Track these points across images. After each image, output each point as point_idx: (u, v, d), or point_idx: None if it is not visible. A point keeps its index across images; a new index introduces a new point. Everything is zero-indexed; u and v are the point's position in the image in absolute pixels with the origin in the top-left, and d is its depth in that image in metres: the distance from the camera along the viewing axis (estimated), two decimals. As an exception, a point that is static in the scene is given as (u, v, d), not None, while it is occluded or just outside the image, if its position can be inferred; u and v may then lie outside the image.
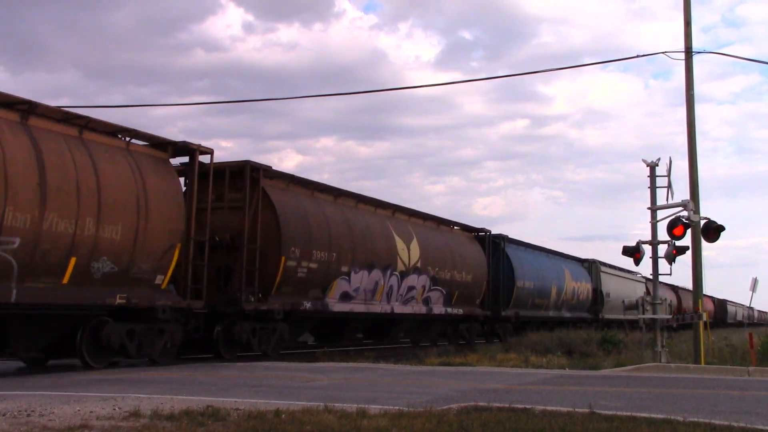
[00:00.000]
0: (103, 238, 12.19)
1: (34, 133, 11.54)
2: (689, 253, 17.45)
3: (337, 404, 7.52)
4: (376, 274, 19.77)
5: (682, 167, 18.90)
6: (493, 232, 28.01)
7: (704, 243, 17.30)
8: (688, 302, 49.08)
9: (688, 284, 24.88)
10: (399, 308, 21.02)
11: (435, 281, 22.73)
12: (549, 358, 16.63)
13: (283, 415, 6.86)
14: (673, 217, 16.93)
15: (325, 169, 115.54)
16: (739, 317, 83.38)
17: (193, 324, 14.77)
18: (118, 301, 12.57)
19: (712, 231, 16.76)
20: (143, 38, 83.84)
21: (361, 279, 19.11)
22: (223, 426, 6.36)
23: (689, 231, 16.88)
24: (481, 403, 7.77)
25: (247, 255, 15.70)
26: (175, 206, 13.90)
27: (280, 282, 16.32)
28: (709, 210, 76.80)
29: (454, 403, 8.06)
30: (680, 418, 6.93)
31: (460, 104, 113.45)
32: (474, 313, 25.59)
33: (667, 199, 17.41)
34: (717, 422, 6.77)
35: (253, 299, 15.67)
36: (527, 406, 7.60)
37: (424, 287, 22.24)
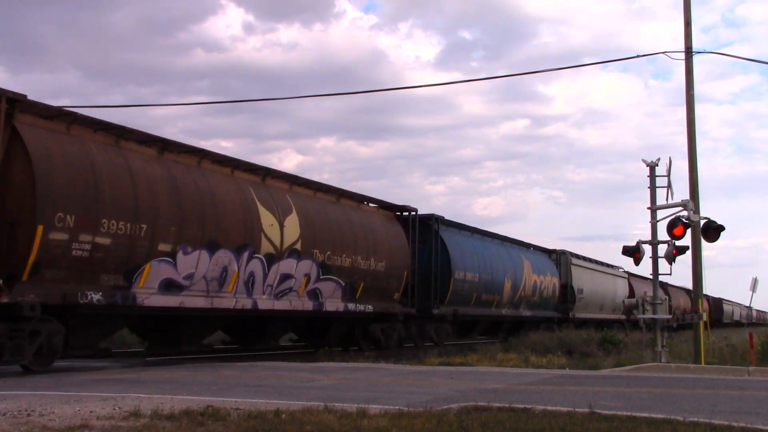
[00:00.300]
0: None
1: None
2: (689, 253, 17.46)
3: (337, 404, 7.52)
4: (224, 256, 14.79)
5: (682, 167, 18.91)
6: (423, 212, 23.10)
7: (704, 243, 17.32)
8: (678, 300, 48.88)
9: (688, 284, 24.82)
10: (267, 303, 16.07)
11: (326, 269, 17.87)
12: (549, 358, 16.64)
13: (283, 415, 6.86)
14: (673, 217, 16.94)
15: (325, 169, 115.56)
16: (737, 317, 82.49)
17: None
18: None
19: (712, 231, 16.77)
20: (143, 38, 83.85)
21: (196, 262, 14.19)
22: (223, 426, 6.36)
23: (689, 231, 16.89)
24: (481, 403, 7.77)
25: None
26: None
27: (37, 262, 11.42)
28: (709, 210, 76.71)
29: (454, 402, 8.06)
30: (680, 418, 6.93)
31: (460, 104, 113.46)
32: (391, 310, 20.83)
33: (667, 199, 17.42)
34: (717, 422, 6.77)
35: None
36: (527, 406, 7.60)
37: (308, 276, 17.24)
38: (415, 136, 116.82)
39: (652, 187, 17.60)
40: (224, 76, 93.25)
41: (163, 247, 13.54)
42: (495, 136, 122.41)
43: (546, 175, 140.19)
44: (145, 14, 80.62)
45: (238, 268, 15.22)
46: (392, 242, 21.02)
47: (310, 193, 18.34)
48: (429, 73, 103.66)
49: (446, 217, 24.51)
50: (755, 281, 30.46)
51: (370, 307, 19.68)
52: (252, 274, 15.64)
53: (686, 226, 16.68)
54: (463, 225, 26.28)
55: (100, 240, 12.34)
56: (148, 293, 13.36)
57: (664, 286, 48.59)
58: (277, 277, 16.28)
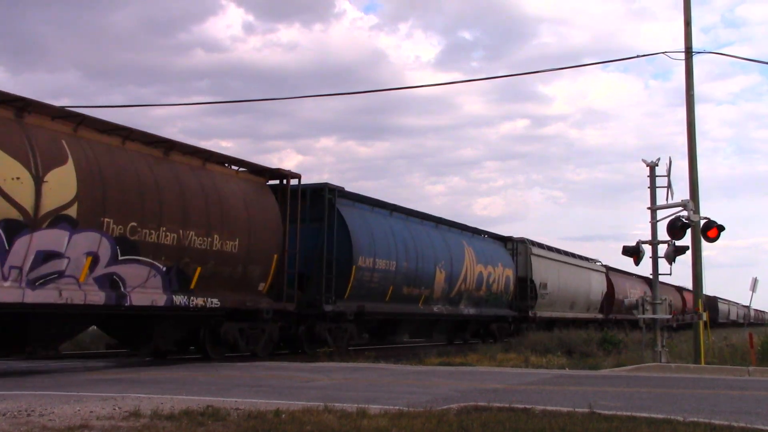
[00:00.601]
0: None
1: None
2: (689, 253, 17.46)
3: (337, 404, 7.53)
4: None
5: (682, 167, 18.90)
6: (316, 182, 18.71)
7: (704, 243, 17.33)
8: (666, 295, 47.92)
9: (688, 284, 24.74)
10: (12, 294, 10.86)
11: (129, 246, 12.70)
12: (549, 358, 16.64)
13: (283, 415, 6.86)
14: (673, 217, 16.94)
15: (325, 170, 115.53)
16: (733, 316, 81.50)
17: None
18: None
19: (712, 231, 16.77)
20: (143, 38, 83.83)
21: None
22: (223, 426, 6.36)
23: (689, 231, 16.90)
24: (481, 403, 7.78)
25: None
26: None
27: None
28: (709, 210, 76.74)
29: (454, 402, 8.07)
30: (680, 418, 6.93)
31: (460, 104, 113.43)
32: (253, 305, 15.77)
33: (667, 199, 17.42)
34: (717, 422, 6.77)
35: None
36: (527, 406, 7.60)
37: (94, 256, 12.10)
38: (415, 136, 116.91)
39: (652, 187, 17.60)
40: (224, 76, 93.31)
41: None
42: (495, 136, 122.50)
43: (546, 175, 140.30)
44: (145, 14, 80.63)
45: None
46: (255, 216, 15.80)
47: (114, 142, 13.04)
48: (429, 74, 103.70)
49: (343, 187, 19.04)
50: (755, 281, 30.44)
51: (215, 302, 14.62)
52: None
53: (686, 226, 16.69)
54: (377, 201, 21.16)
55: None
56: None
57: (649, 281, 45.29)
58: (31, 256, 11.14)
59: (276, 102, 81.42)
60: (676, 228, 16.67)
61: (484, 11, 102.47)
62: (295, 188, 17.42)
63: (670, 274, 18.24)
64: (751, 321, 60.16)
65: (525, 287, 28.76)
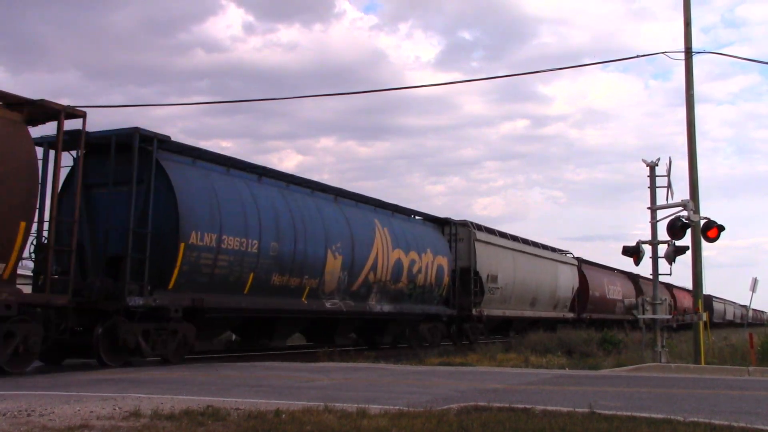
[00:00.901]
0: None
1: None
2: (689, 252, 17.47)
3: (337, 404, 7.52)
4: None
5: (682, 167, 18.93)
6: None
7: (704, 243, 17.34)
8: (649, 293, 47.17)
9: (688, 284, 24.68)
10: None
11: None
12: (549, 358, 16.66)
13: (284, 415, 6.86)
14: (673, 217, 16.95)
15: (325, 170, 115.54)
16: (729, 316, 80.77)
17: None
18: None
19: (712, 231, 16.78)
20: (143, 38, 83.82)
21: None
22: (223, 426, 6.36)
23: (689, 231, 16.90)
24: (481, 403, 7.77)
25: None
26: None
27: None
28: (709, 210, 76.77)
29: (454, 402, 8.06)
30: (680, 418, 6.93)
31: (460, 104, 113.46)
32: None
33: (667, 199, 17.45)
34: (717, 422, 6.77)
35: None
36: (527, 406, 7.60)
37: None
38: (415, 136, 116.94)
39: (652, 187, 17.61)
40: (224, 76, 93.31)
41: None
42: (495, 136, 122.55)
43: (546, 175, 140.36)
44: (146, 14, 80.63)
45: None
46: None
47: None
48: (429, 74, 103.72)
49: (169, 136, 14.18)
50: (755, 281, 30.43)
51: None
52: None
53: (686, 226, 16.70)
54: (235, 160, 16.22)
55: None
56: None
57: (635, 278, 40.92)
58: None
59: (276, 102, 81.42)
60: (676, 228, 16.69)
61: (484, 11, 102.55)
62: (77, 132, 12.70)
63: (670, 274, 18.28)
64: (749, 321, 60.06)
65: (468, 280, 24.11)
